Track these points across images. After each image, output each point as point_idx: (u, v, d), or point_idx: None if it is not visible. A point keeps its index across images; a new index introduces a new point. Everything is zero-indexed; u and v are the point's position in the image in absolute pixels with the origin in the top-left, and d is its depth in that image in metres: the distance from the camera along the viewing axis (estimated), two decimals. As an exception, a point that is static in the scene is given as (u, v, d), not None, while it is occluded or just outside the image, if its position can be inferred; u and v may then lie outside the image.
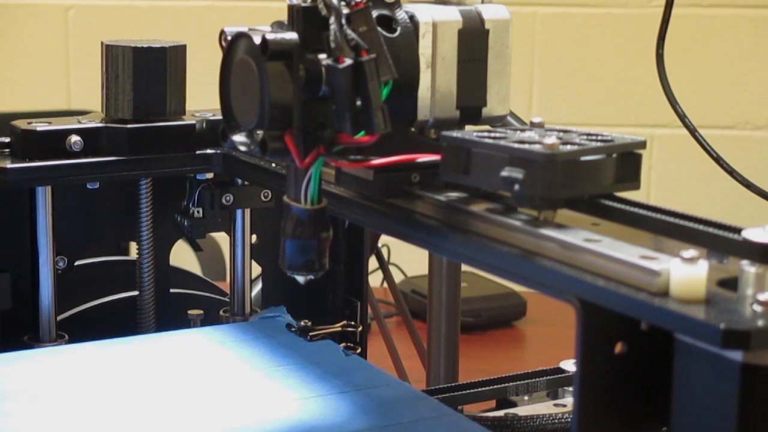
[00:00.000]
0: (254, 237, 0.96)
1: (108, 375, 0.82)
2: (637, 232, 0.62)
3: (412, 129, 0.73)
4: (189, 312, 0.96)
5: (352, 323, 0.95)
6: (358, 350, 0.92)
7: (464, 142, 0.66)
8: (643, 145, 0.65)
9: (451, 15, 0.72)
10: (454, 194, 0.69)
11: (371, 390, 0.80)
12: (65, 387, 0.79)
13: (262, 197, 0.93)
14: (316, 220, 0.67)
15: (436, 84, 0.72)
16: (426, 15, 0.71)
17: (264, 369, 0.83)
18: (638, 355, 0.57)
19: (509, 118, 0.82)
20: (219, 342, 0.89)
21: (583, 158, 0.63)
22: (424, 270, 1.08)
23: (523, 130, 0.67)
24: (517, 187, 0.62)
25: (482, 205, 0.67)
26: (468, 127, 0.74)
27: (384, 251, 1.40)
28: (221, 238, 1.01)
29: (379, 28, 0.66)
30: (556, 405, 0.89)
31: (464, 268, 1.06)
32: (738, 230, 0.58)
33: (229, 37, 0.68)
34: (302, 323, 0.92)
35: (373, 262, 1.15)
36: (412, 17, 0.71)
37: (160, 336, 0.91)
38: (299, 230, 0.67)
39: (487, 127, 0.71)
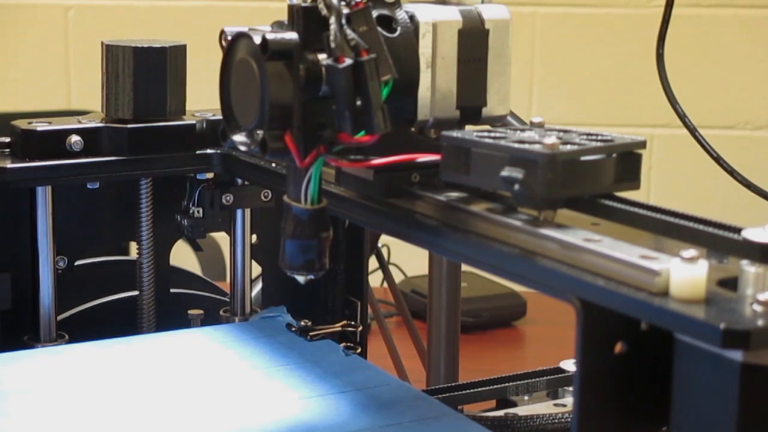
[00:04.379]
0: (254, 237, 0.96)
1: (108, 375, 0.82)
2: (637, 232, 0.62)
3: (412, 129, 0.73)
4: (189, 312, 0.96)
5: (352, 323, 0.95)
6: (358, 350, 0.92)
7: (464, 142, 0.66)
8: (643, 145, 0.65)
9: (451, 15, 0.72)
10: (454, 194, 0.69)
11: (371, 390, 0.80)
12: (65, 387, 0.79)
13: (262, 197, 0.93)
14: (316, 220, 0.67)
15: (436, 84, 0.72)
16: (426, 15, 0.71)
17: (264, 369, 0.83)
18: (638, 355, 0.57)
19: (509, 118, 0.82)
20: (219, 342, 0.89)
21: (583, 158, 0.63)
22: (424, 270, 1.08)
23: (523, 130, 0.67)
24: (517, 187, 0.62)
25: (482, 205, 0.67)
26: (468, 127, 0.74)
27: (384, 251, 1.40)
28: (221, 238, 1.01)
29: (379, 28, 0.66)
30: (556, 405, 0.89)
31: (464, 268, 1.06)
32: (738, 230, 0.58)
33: (229, 37, 0.68)
34: (302, 323, 0.92)
35: (373, 262, 1.15)
36: (412, 17, 0.71)
37: (160, 336, 0.91)
38: (299, 230, 0.67)
39: (487, 127, 0.71)
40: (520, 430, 0.82)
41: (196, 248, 1.08)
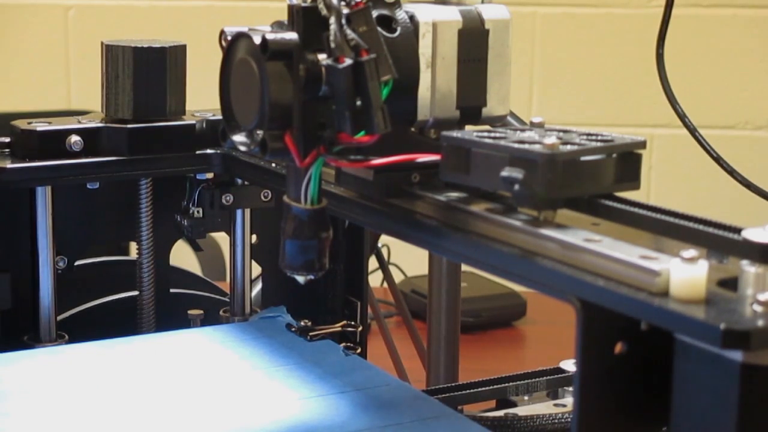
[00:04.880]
0: (254, 237, 0.96)
1: (108, 375, 0.82)
2: (637, 232, 0.62)
3: (412, 129, 0.73)
4: (189, 312, 0.96)
5: (352, 323, 0.95)
6: (358, 350, 0.92)
7: (464, 142, 0.66)
8: (643, 145, 0.65)
9: (451, 15, 0.72)
10: (454, 194, 0.69)
11: (371, 390, 0.80)
12: (65, 387, 0.79)
13: (262, 197, 0.93)
14: (316, 220, 0.67)
15: (436, 84, 0.72)
16: (426, 15, 0.71)
17: (264, 369, 0.83)
18: (638, 355, 0.57)
19: (509, 118, 0.82)
20: (219, 342, 0.89)
21: (583, 158, 0.63)
22: (424, 270, 1.08)
23: (523, 130, 0.67)
24: (517, 187, 0.62)
25: (482, 205, 0.67)
26: (468, 127, 0.74)
27: (384, 251, 1.40)
28: (221, 238, 1.01)
29: (379, 28, 0.66)
30: (556, 405, 0.89)
31: (464, 268, 1.06)
32: (738, 230, 0.58)
33: (229, 37, 0.68)
34: (302, 323, 0.92)
35: (373, 262, 1.15)
36: (412, 17, 0.71)
37: (161, 336, 0.91)
38: (299, 230, 0.67)
39: (487, 127, 0.71)
40: (520, 430, 0.82)
41: (196, 248, 1.08)
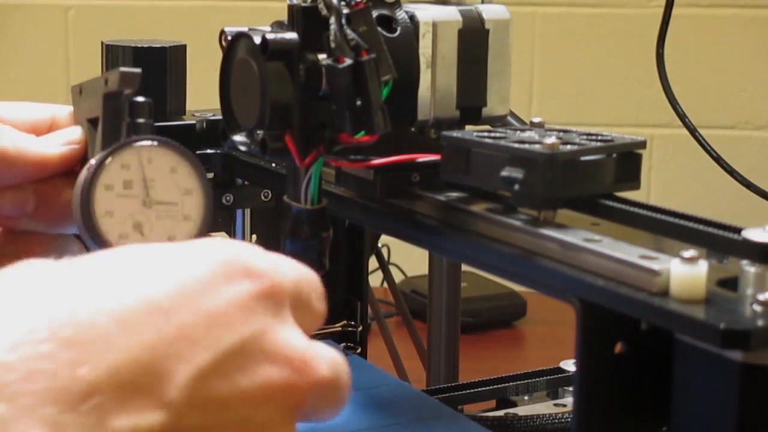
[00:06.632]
0: (254, 237, 0.96)
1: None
2: (637, 232, 0.62)
3: (412, 129, 0.73)
4: (189, 312, 0.96)
5: (352, 323, 0.95)
6: (358, 350, 0.92)
7: (464, 142, 0.66)
8: (643, 145, 0.65)
9: (451, 15, 0.72)
10: (454, 194, 0.69)
11: (371, 390, 0.79)
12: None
13: (262, 197, 0.93)
14: (316, 220, 0.68)
15: (436, 84, 0.72)
16: (426, 15, 0.71)
17: (264, 369, 0.83)
18: (638, 355, 0.57)
19: (509, 118, 0.82)
20: (219, 342, 0.89)
21: (583, 158, 0.63)
22: (424, 270, 1.08)
23: (523, 130, 0.67)
24: (517, 187, 0.62)
25: (482, 205, 0.67)
26: (468, 127, 0.74)
27: (384, 251, 1.40)
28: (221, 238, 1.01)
29: (379, 28, 0.66)
30: (556, 405, 0.89)
31: (464, 268, 1.06)
32: (738, 230, 0.58)
33: (229, 37, 0.68)
34: (302, 323, 0.92)
35: (373, 262, 1.15)
36: (412, 17, 0.71)
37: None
38: (299, 230, 0.67)
39: (487, 127, 0.71)
40: (520, 430, 0.82)
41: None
